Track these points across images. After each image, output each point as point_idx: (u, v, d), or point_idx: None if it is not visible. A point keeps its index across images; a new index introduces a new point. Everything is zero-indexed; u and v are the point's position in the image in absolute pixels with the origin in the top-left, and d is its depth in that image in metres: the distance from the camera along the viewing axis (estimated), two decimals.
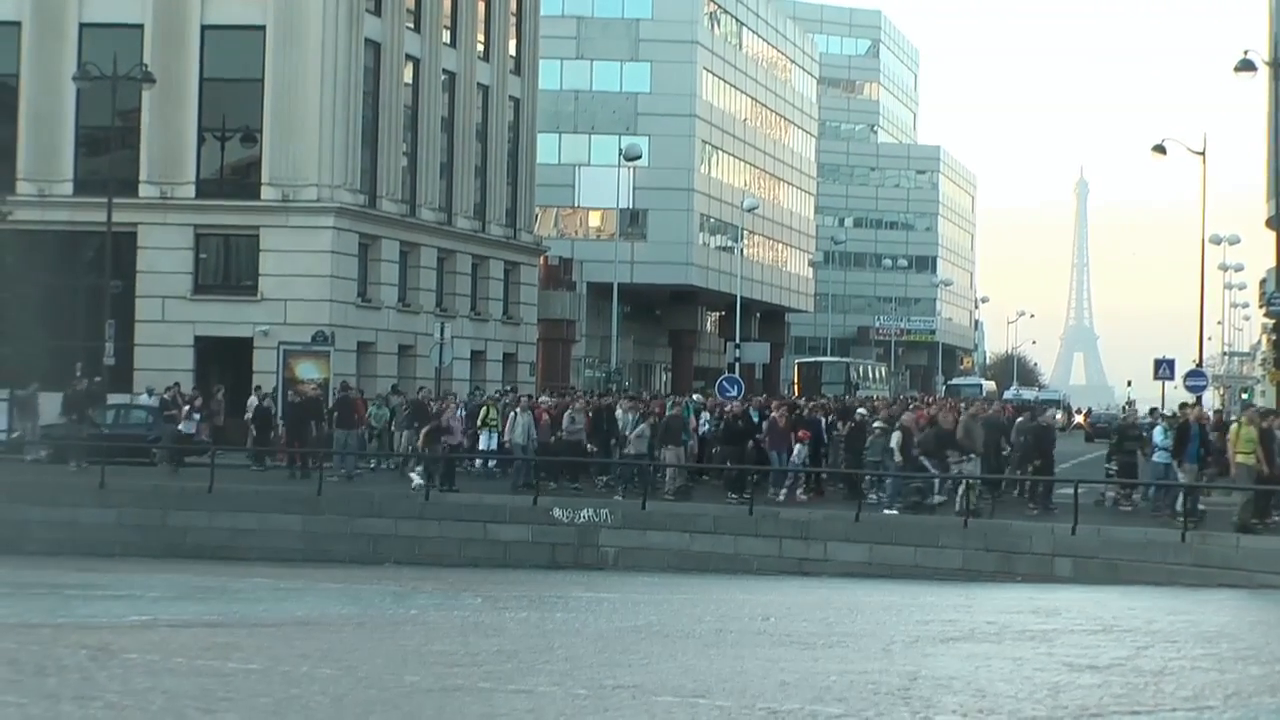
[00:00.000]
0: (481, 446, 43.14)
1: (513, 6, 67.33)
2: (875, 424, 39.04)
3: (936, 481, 37.37)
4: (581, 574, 34.12)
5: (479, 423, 43.05)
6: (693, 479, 40.51)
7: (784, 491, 38.05)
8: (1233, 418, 38.86)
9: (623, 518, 36.31)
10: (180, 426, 43.83)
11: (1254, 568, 31.07)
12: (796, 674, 16.79)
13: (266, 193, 54.02)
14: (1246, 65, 51.98)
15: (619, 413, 42.07)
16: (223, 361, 52.58)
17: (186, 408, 44.39)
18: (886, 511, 36.02)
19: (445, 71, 61.77)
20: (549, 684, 15.89)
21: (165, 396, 46.21)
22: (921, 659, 18.63)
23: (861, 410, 43.55)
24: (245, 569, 32.65)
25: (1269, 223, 64.12)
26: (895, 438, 37.27)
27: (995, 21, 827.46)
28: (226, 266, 55.33)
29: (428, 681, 16.00)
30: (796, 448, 38.72)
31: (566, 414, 41.39)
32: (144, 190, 53.70)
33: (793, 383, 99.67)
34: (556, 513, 36.53)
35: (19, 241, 49.16)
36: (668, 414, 40.92)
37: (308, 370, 51.67)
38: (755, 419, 41.24)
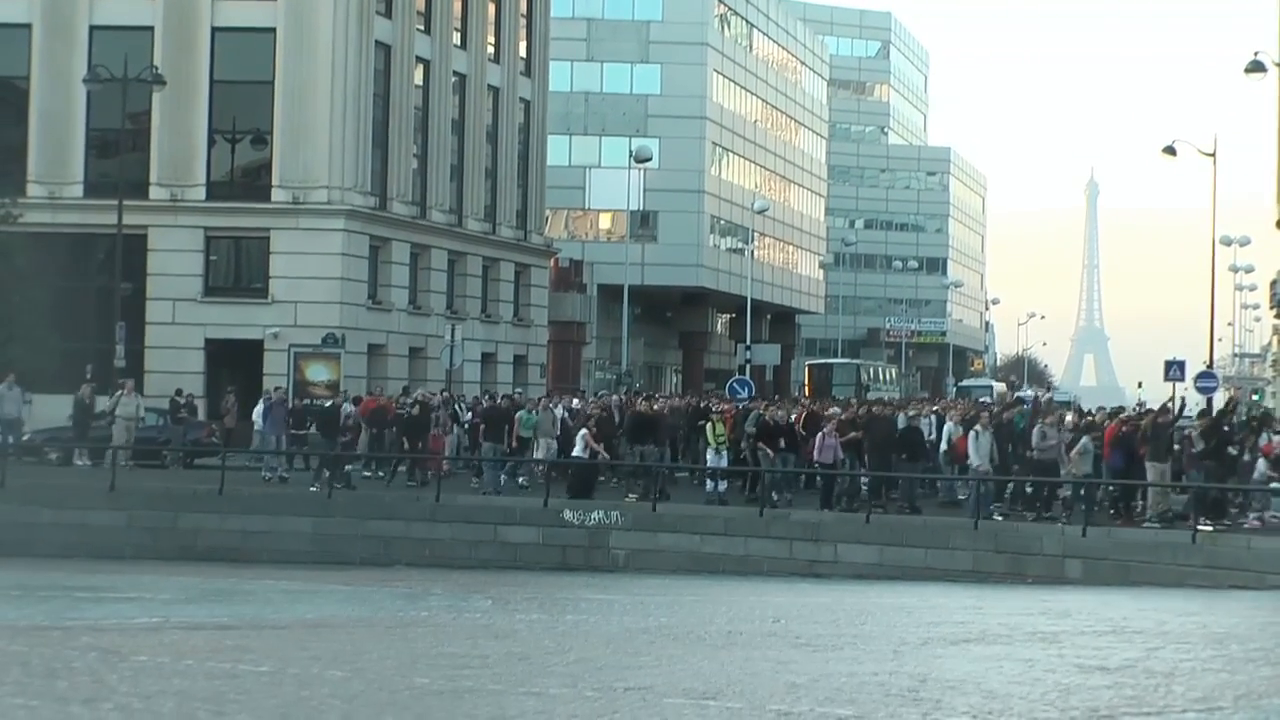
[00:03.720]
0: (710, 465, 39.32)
1: (523, 8, 67.38)
2: None
3: None
4: (592, 576, 34.02)
5: (710, 442, 38.80)
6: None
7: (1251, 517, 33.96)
8: None
9: (633, 520, 36.24)
10: (575, 451, 38.70)
11: (1265, 569, 31.02)
12: (807, 676, 16.79)
13: (277, 195, 54.06)
14: (1257, 67, 51.99)
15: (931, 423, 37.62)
16: (233, 364, 52.57)
17: (584, 432, 38.81)
18: None
19: (456, 73, 61.78)
20: (560, 686, 15.90)
21: (178, 400, 46.26)
22: (932, 661, 18.62)
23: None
24: (256, 571, 32.66)
25: (1279, 224, 64.11)
26: None
27: (1005, 23, 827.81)
28: (237, 269, 55.36)
29: (438, 683, 16.01)
30: (1260, 463, 34.64)
31: (1036, 430, 36.25)
32: (154, 193, 53.71)
33: (804, 384, 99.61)
34: (567, 515, 36.45)
35: (29, 244, 49.23)
36: (1154, 422, 35.36)
37: (318, 372, 51.74)
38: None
